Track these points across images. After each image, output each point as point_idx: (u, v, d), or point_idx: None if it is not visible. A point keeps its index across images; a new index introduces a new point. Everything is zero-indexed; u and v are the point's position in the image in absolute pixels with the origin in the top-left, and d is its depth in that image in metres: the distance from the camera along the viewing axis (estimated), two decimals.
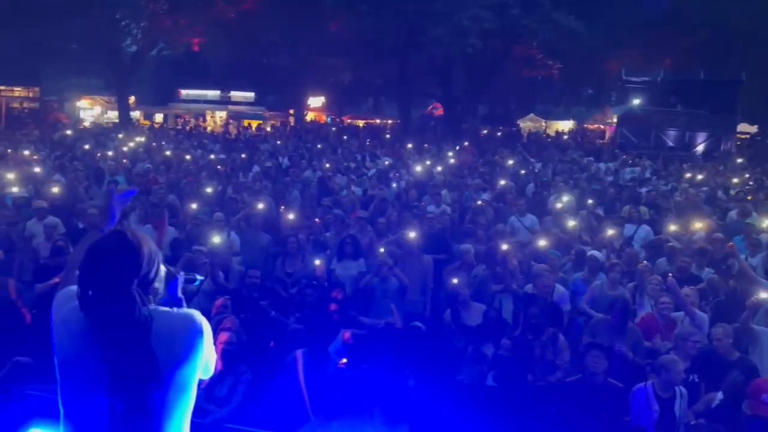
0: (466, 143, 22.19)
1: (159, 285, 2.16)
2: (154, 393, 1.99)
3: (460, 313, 6.69)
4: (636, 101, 28.66)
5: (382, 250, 7.48)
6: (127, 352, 1.96)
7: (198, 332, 2.10)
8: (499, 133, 32.32)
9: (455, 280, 7.15)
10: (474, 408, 5.06)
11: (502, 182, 12.35)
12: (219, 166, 13.78)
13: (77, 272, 2.09)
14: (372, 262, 7.65)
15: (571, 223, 9.28)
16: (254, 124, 34.25)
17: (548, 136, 34.04)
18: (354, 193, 11.99)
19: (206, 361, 2.16)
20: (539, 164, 17.62)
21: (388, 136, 25.66)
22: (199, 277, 2.50)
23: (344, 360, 5.32)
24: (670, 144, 26.30)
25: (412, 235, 7.78)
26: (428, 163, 15.97)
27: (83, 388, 2.00)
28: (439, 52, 24.43)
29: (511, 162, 16.73)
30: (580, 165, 17.51)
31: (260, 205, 9.37)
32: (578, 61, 30.86)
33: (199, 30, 27.23)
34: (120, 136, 20.58)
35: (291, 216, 9.19)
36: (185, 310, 2.17)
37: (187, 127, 30.02)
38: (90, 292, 2.00)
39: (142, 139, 20.39)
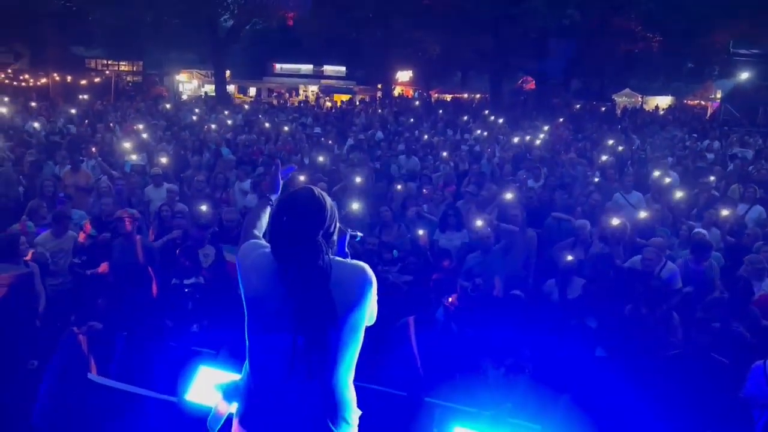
0: (561, 119, 21.68)
1: (335, 239, 2.39)
2: (331, 332, 2.22)
3: (565, 287, 6.65)
4: (744, 75, 27.02)
5: (479, 223, 7.51)
6: (309, 294, 2.20)
7: (368, 282, 2.31)
8: (604, 108, 31.18)
9: (570, 257, 7.04)
10: (582, 377, 5.08)
11: (603, 158, 12.04)
12: (322, 139, 14.10)
13: (254, 231, 2.50)
14: (474, 235, 7.71)
15: (679, 194, 9.01)
16: (344, 98, 34.66)
17: (645, 111, 32.70)
18: (450, 166, 12.04)
19: (372, 310, 2.36)
20: (637, 141, 17.05)
21: (486, 112, 25.30)
22: (360, 234, 2.68)
23: (451, 299, 5.45)
24: None
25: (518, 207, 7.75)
26: (524, 138, 15.75)
27: (269, 324, 2.25)
28: (534, 23, 23.82)
29: (611, 141, 16.24)
30: (682, 142, 16.82)
31: (358, 178, 9.64)
32: (680, 33, 29.32)
33: (294, 4, 27.65)
34: (226, 112, 21.34)
35: (399, 187, 9.32)
36: (357, 262, 2.38)
37: (281, 101, 30.71)
38: (281, 240, 2.26)
39: (242, 111, 21.13)
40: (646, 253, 6.70)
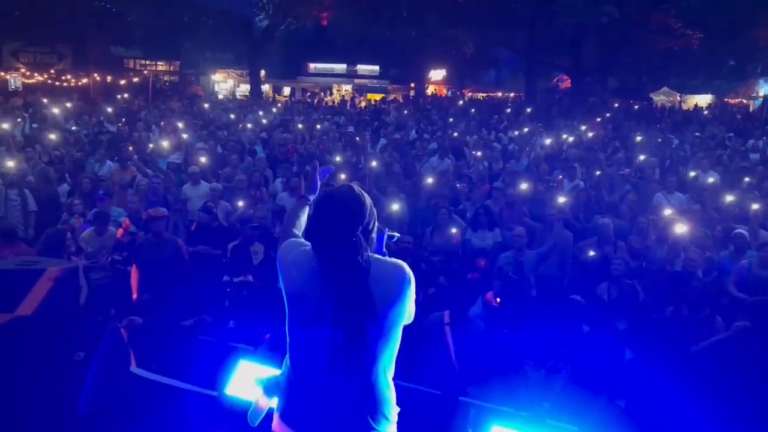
0: (599, 119, 21.38)
1: (373, 236, 2.42)
2: (371, 327, 2.24)
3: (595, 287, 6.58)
4: None
5: (520, 229, 7.44)
6: (349, 290, 2.22)
7: (407, 280, 2.33)
8: (638, 107, 30.65)
9: (591, 253, 7.01)
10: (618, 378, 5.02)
11: (641, 157, 11.85)
12: (357, 138, 14.14)
13: (294, 230, 2.55)
14: (507, 234, 7.66)
15: (729, 198, 8.81)
16: (377, 97, 34.69)
17: (684, 110, 32.04)
18: (483, 165, 11.98)
19: (410, 308, 2.38)
20: (676, 140, 16.72)
21: (508, 110, 25.08)
22: (397, 235, 2.70)
23: (498, 299, 5.43)
24: None
25: (552, 207, 7.67)
26: (558, 137, 15.59)
27: (310, 320, 2.28)
28: (570, 21, 23.49)
29: (640, 138, 15.94)
30: (723, 142, 16.44)
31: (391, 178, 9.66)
32: (721, 30, 28.63)
33: (328, 3, 27.80)
34: (260, 112, 21.55)
35: (430, 180, 9.29)
36: (395, 260, 2.40)
37: (315, 100, 30.90)
38: (321, 236, 2.29)
39: (275, 111, 21.33)
40: (689, 253, 6.58)
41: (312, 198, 2.72)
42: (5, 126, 13.14)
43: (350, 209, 2.31)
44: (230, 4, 26.98)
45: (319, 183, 2.79)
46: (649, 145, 14.81)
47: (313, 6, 28.83)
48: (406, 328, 5.27)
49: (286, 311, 2.35)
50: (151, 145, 12.34)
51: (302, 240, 2.49)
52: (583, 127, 18.17)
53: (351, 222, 2.29)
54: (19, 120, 14.46)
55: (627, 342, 5.63)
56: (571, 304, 6.02)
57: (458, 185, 9.37)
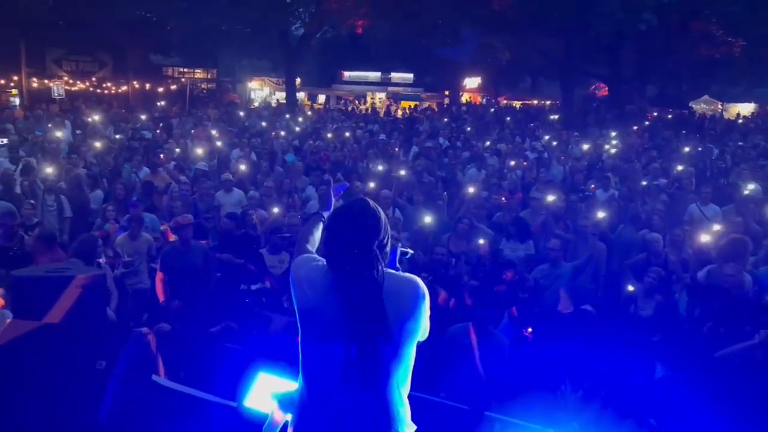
0: (635, 127, 21.01)
1: (387, 251, 2.38)
2: (383, 343, 2.20)
3: (636, 302, 6.42)
4: None
5: (556, 241, 7.31)
6: (362, 305, 2.19)
7: (421, 296, 2.30)
8: (669, 116, 30.10)
9: (631, 288, 6.74)
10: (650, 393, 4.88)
11: (680, 167, 11.58)
12: (388, 146, 14.13)
13: (307, 245, 2.54)
14: (541, 246, 7.55)
15: None
16: (410, 105, 34.70)
17: (726, 119, 31.28)
18: (516, 174, 11.85)
19: (425, 324, 2.34)
20: (716, 150, 16.31)
21: (555, 117, 24.75)
22: (411, 251, 2.68)
23: (530, 329, 5.35)
24: None
25: (588, 219, 7.53)
26: (593, 146, 15.36)
27: (323, 335, 2.25)
28: (607, 28, 23.11)
29: (687, 148, 15.60)
30: (765, 151, 15.98)
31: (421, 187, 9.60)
32: (765, 37, 27.88)
33: (364, 12, 27.92)
34: (288, 116, 21.76)
35: (471, 190, 9.22)
36: (410, 275, 2.36)
37: (349, 108, 31.05)
38: (335, 249, 2.28)
39: (309, 119, 21.48)
40: (726, 268, 6.37)
41: (326, 214, 2.71)
42: (58, 134, 13.52)
43: (366, 223, 2.29)
44: (267, 12, 27.24)
45: (333, 199, 2.79)
46: (687, 154, 14.49)
47: (348, 14, 29.00)
48: (432, 340, 5.19)
49: (299, 327, 2.33)
50: (177, 150, 12.49)
51: (315, 255, 2.47)
52: (614, 134, 17.87)
53: (366, 236, 2.27)
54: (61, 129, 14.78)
55: (659, 357, 5.48)
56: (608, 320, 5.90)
57: (494, 197, 9.27)
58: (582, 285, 7.18)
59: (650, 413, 4.40)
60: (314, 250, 2.56)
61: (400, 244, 2.57)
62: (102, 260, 6.84)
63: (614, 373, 4.71)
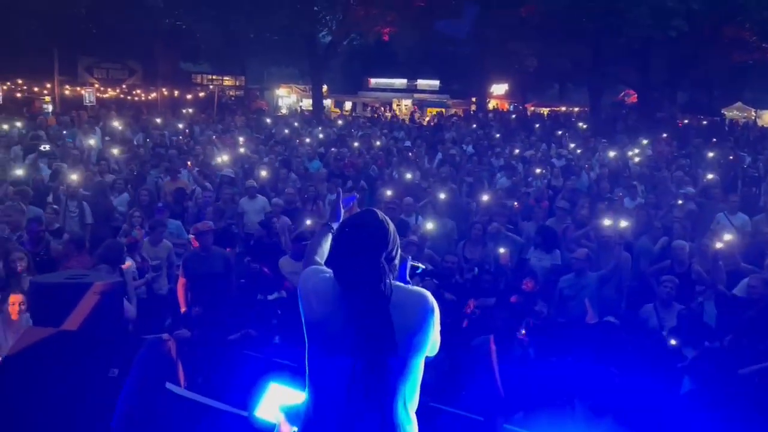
0: (665, 135, 20.67)
1: (396, 263, 2.34)
2: (390, 358, 2.16)
3: (660, 312, 6.30)
4: None
5: (582, 251, 7.20)
6: (369, 318, 2.16)
7: (430, 310, 2.25)
8: (706, 123, 29.51)
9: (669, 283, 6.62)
10: (671, 408, 4.76)
11: (709, 176, 11.35)
12: (410, 153, 14.10)
13: (316, 257, 2.53)
14: (567, 255, 7.45)
15: None
16: (436, 111, 34.67)
17: (759, 126, 30.63)
18: (542, 182, 11.73)
19: (434, 338, 2.29)
20: (748, 158, 15.97)
21: (584, 125, 24.44)
22: (422, 266, 2.64)
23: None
24: None
25: (610, 227, 7.40)
26: (621, 153, 15.15)
27: (329, 348, 2.22)
28: (637, 34, 22.79)
29: (711, 154, 15.30)
30: None
31: (442, 194, 9.53)
32: None
33: (390, 19, 27.99)
34: (320, 128, 21.83)
35: (486, 198, 9.15)
36: (419, 288, 2.33)
37: (374, 115, 31.13)
38: (343, 262, 2.24)
39: (335, 126, 21.56)
40: (752, 279, 6.22)
41: (335, 226, 2.67)
42: (90, 142, 13.75)
43: (374, 235, 2.26)
44: (295, 20, 27.48)
45: (342, 211, 2.77)
46: (718, 162, 14.22)
47: (375, 22, 29.10)
48: (450, 349, 5.11)
49: (306, 339, 2.30)
50: (200, 156, 12.61)
51: (323, 267, 2.44)
52: (645, 142, 17.60)
53: (374, 248, 2.23)
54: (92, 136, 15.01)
55: (688, 371, 5.35)
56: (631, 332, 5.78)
57: (515, 203, 9.17)
58: (607, 295, 7.06)
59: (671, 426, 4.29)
60: (323, 262, 2.53)
61: (410, 258, 2.52)
62: (130, 265, 6.89)
63: (634, 388, 4.61)
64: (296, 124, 20.33)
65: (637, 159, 14.60)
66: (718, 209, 9.26)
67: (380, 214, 2.32)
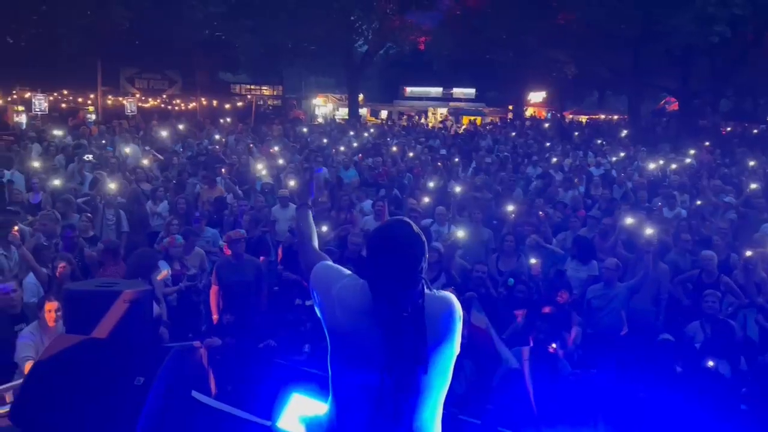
0: (707, 143, 20.17)
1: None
2: (421, 372, 2.10)
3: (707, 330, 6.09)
4: None
5: (612, 261, 7.05)
6: (407, 335, 2.08)
7: (456, 314, 2.21)
8: (756, 131, 28.67)
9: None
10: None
11: (753, 186, 11.02)
12: (439, 163, 14.02)
13: (314, 244, 2.57)
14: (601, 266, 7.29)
15: None
16: (471, 119, 34.49)
17: None
18: (578, 191, 11.54)
19: (457, 345, 2.24)
20: None
21: (625, 132, 24.01)
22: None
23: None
24: None
25: (648, 236, 7.21)
26: (661, 162, 14.83)
27: (356, 362, 2.16)
28: (678, 41, 22.34)
29: (752, 162, 14.86)
30: None
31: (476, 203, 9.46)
32: None
33: (426, 28, 28.02)
34: (352, 133, 21.96)
35: (510, 208, 9.04)
36: (443, 293, 2.27)
37: (410, 123, 31.14)
38: (380, 276, 2.17)
39: (370, 134, 21.61)
40: None
41: (310, 202, 2.74)
42: (127, 150, 14.05)
43: (411, 250, 2.19)
44: (332, 30, 27.74)
45: (315, 187, 2.80)
46: (763, 171, 13.81)
47: (411, 31, 29.15)
48: (484, 364, 5.05)
49: (329, 347, 2.25)
50: (235, 165, 12.74)
51: (340, 268, 2.38)
52: (692, 152, 17.20)
53: (411, 263, 2.17)
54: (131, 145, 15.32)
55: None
56: (663, 345, 5.61)
57: (540, 213, 9.03)
58: (642, 307, 6.89)
59: None
60: (317, 245, 2.56)
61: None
62: (166, 274, 6.97)
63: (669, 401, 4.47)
64: (326, 139, 20.42)
65: (676, 167, 14.28)
66: (762, 219, 8.99)
67: (414, 226, 2.26)
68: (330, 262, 2.43)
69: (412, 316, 2.10)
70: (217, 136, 18.38)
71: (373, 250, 2.25)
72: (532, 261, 7.23)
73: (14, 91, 24.44)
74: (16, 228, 6.55)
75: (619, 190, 11.61)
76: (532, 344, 5.39)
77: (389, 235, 2.23)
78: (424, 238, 2.24)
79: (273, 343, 5.86)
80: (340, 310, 2.21)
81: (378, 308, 2.14)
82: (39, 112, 21.90)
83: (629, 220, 7.37)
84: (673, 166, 14.23)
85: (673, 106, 33.62)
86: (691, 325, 6.13)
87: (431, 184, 11.18)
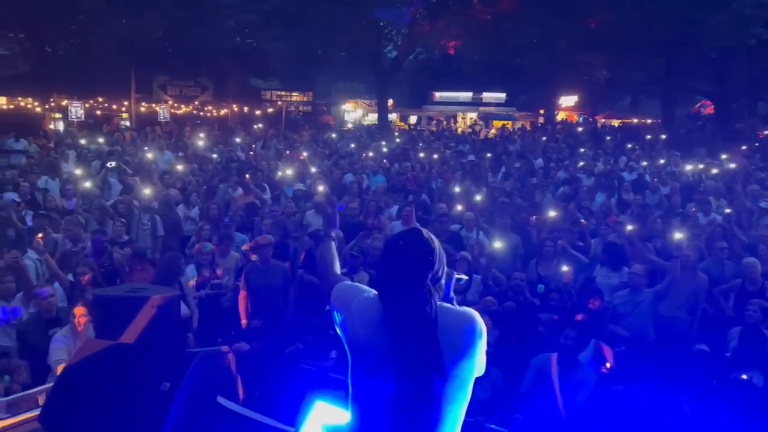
0: (744, 147, 19.71)
1: (442, 283, 2.27)
2: (437, 383, 2.08)
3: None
4: None
5: (638, 267, 6.92)
6: (416, 343, 2.08)
7: (478, 330, 2.18)
8: None
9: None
10: None
11: None
12: (468, 167, 13.96)
13: (335, 269, 2.59)
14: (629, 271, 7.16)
15: None
16: (500, 124, 34.29)
17: None
18: (607, 197, 11.36)
19: (481, 360, 2.21)
20: None
21: (662, 136, 23.64)
22: (465, 277, 2.58)
23: (608, 365, 5.06)
24: None
25: (677, 241, 7.05)
26: (700, 166, 14.56)
27: (373, 372, 2.15)
28: (713, 43, 21.90)
29: None
30: None
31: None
32: None
33: (456, 33, 27.95)
34: (383, 142, 21.97)
35: (552, 215, 8.93)
36: (465, 308, 2.25)
37: (439, 128, 31.09)
38: (389, 283, 2.19)
39: (399, 140, 21.61)
40: None
41: (334, 234, 2.78)
42: (149, 156, 14.27)
43: (419, 256, 2.19)
44: (361, 36, 27.86)
45: (338, 217, 2.88)
46: None
47: (440, 36, 29.10)
48: (511, 371, 4.99)
49: (349, 359, 2.26)
50: (265, 171, 12.82)
51: (360, 285, 2.40)
52: (724, 156, 16.82)
53: (420, 269, 2.17)
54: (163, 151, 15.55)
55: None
56: (698, 356, 5.47)
57: (582, 221, 8.90)
58: (675, 315, 6.74)
59: None
60: (340, 272, 2.58)
61: (455, 273, 2.44)
62: (192, 282, 7.04)
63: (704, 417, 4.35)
64: (354, 144, 20.47)
65: (713, 172, 13.98)
66: None
67: (425, 232, 2.25)
68: (348, 282, 2.46)
69: (418, 319, 2.10)
70: (238, 140, 18.55)
71: (382, 258, 2.29)
72: (564, 268, 7.13)
73: (51, 99, 25.02)
74: (40, 235, 6.68)
75: (653, 196, 11.39)
76: (559, 352, 5.30)
77: (397, 244, 2.25)
78: (435, 246, 2.23)
79: (300, 346, 5.86)
80: (359, 324, 2.22)
81: (385, 313, 2.15)
82: (75, 119, 22.41)
83: (678, 235, 7.19)
84: (714, 171, 13.92)
85: (709, 109, 32.97)
86: (733, 330, 5.97)
87: (458, 189, 11.12)
